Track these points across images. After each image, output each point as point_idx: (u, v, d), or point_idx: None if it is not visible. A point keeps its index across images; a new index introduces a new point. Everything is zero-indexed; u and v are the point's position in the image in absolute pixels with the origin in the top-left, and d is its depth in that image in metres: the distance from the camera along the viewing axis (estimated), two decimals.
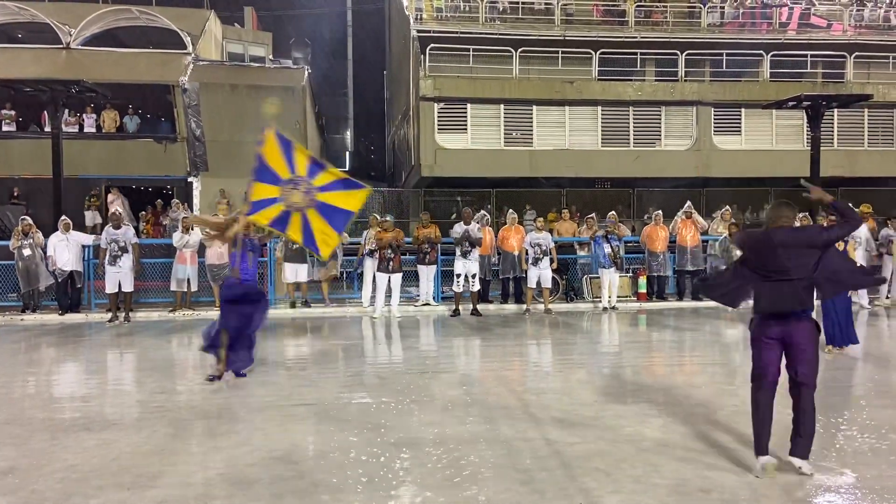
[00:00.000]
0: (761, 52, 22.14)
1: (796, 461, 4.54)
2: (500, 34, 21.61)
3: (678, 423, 5.67)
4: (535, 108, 21.79)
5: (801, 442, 4.58)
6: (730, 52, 22.16)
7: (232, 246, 7.38)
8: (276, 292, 13.88)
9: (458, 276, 12.71)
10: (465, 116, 21.60)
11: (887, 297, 13.62)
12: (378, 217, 13.32)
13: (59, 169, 14.55)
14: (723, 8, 23.42)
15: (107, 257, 12.04)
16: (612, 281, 13.36)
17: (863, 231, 13.18)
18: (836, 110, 20.83)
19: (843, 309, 8.56)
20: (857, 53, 22.33)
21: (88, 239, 12.88)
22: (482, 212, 14.42)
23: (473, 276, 12.77)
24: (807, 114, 16.60)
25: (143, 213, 19.54)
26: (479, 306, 12.91)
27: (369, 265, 12.95)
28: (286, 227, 7.14)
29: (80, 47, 20.30)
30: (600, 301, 13.56)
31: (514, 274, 13.46)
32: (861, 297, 13.16)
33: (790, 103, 16.61)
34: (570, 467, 4.64)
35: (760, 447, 4.59)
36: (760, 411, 4.69)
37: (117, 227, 12.19)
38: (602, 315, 12.88)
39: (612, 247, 13.18)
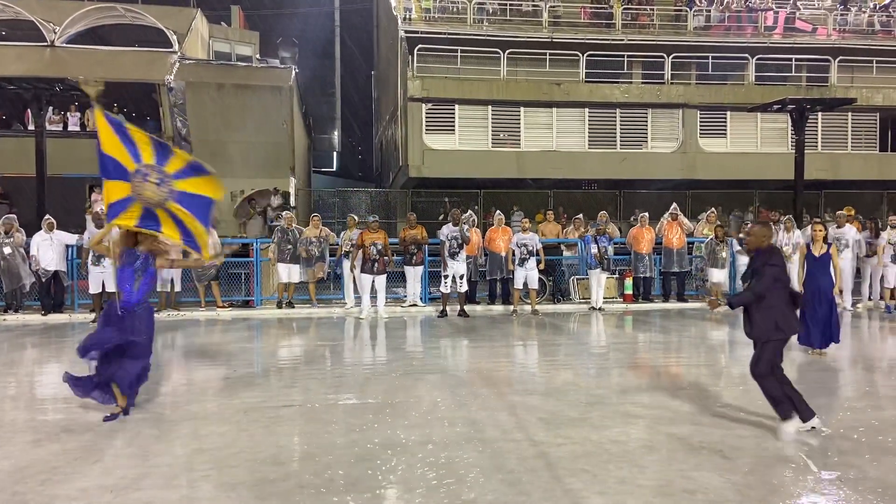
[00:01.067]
0: (746, 55, 22.33)
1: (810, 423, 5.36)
2: (488, 35, 21.66)
3: (664, 424, 5.69)
4: (522, 109, 21.87)
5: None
6: (715, 55, 22.34)
7: (115, 261, 6.04)
8: (263, 293, 13.83)
9: (446, 276, 12.71)
10: (453, 117, 21.63)
11: (870, 300, 13.75)
12: (356, 218, 13.35)
13: (42, 168, 14.42)
14: (709, 11, 23.59)
15: (90, 257, 11.92)
16: (600, 281, 13.42)
17: (852, 234, 13.32)
18: (819, 114, 21.08)
19: (833, 313, 8.63)
20: (841, 57, 22.57)
21: (72, 238, 12.76)
22: (469, 212, 14.43)
23: (461, 277, 12.77)
24: (791, 117, 16.76)
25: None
26: (466, 307, 12.91)
27: (347, 266, 12.91)
28: (159, 225, 5.96)
29: (64, 45, 20.14)
30: (589, 301, 13.61)
31: (502, 275, 13.48)
32: (844, 299, 13.28)
33: (775, 107, 16.77)
34: (555, 468, 4.65)
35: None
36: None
37: (100, 226, 12.07)
38: (588, 316, 12.92)
39: (598, 247, 13.22)
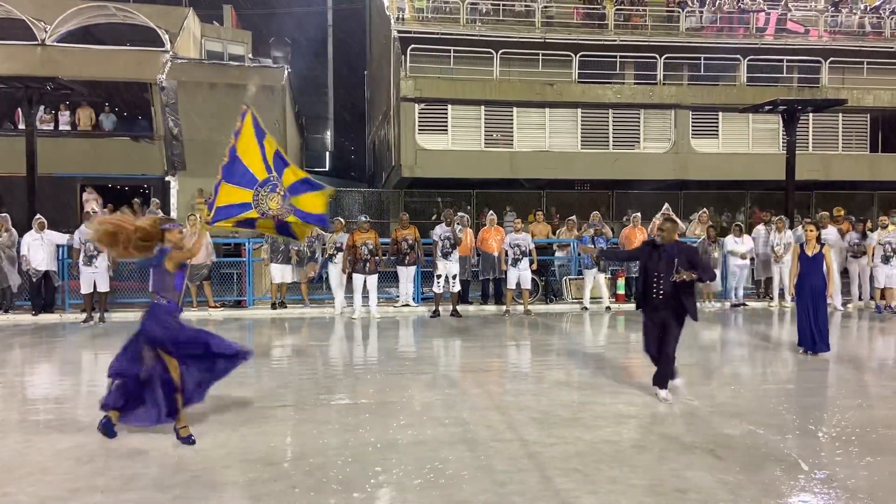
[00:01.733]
0: (738, 56, 22.40)
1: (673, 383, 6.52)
2: (481, 36, 21.65)
3: (655, 423, 5.71)
4: (515, 109, 21.87)
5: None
6: (707, 56, 22.40)
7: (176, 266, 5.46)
8: (255, 293, 13.79)
9: (439, 276, 12.71)
10: (446, 117, 21.62)
11: (860, 300, 13.83)
12: (342, 221, 13.28)
13: (33, 167, 14.33)
14: (701, 12, 23.66)
15: (81, 257, 11.86)
16: (598, 282, 13.44)
17: (833, 235, 13.43)
18: (811, 115, 21.15)
19: (822, 316, 8.69)
20: (832, 59, 22.67)
21: (63, 238, 12.68)
22: (461, 213, 14.43)
23: (454, 277, 12.77)
24: (782, 118, 16.82)
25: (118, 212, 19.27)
26: (458, 307, 12.91)
27: (333, 269, 12.83)
28: (254, 226, 6.24)
29: (55, 44, 20.02)
30: (581, 302, 13.64)
31: (494, 275, 13.48)
32: (835, 299, 13.35)
33: (766, 107, 16.83)
34: (547, 468, 4.66)
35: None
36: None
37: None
38: (581, 316, 12.94)
39: (596, 248, 13.24)
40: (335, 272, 12.86)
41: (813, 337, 8.69)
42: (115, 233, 5.24)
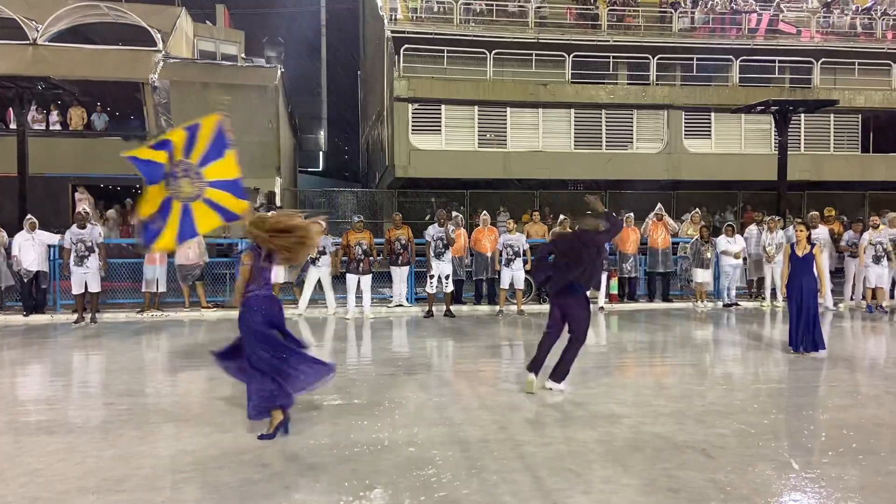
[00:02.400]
0: (731, 57, 22.49)
1: (550, 383, 6.77)
2: (475, 36, 21.67)
3: (648, 423, 5.72)
4: (508, 109, 21.90)
5: (558, 370, 6.81)
6: (700, 56, 22.47)
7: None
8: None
9: (432, 276, 12.70)
10: (440, 117, 21.63)
11: (851, 299, 13.89)
12: (323, 224, 13.14)
13: (24, 167, 14.26)
14: (693, 13, 23.74)
15: (72, 257, 11.80)
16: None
17: (823, 234, 13.50)
18: (802, 115, 21.24)
19: (814, 316, 8.74)
20: (823, 59, 22.78)
21: (54, 238, 12.62)
22: (455, 213, 14.43)
23: (447, 278, 12.77)
24: (774, 118, 16.88)
25: (110, 211, 19.21)
26: (452, 307, 12.91)
27: (313, 272, 12.71)
28: (195, 229, 5.79)
29: (47, 43, 19.94)
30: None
31: (488, 275, 13.49)
32: (826, 299, 13.41)
33: (758, 108, 16.89)
34: (540, 468, 4.66)
35: (535, 366, 6.79)
36: (545, 345, 6.87)
37: (82, 226, 11.97)
38: None
39: None
40: (315, 275, 12.59)
41: (804, 337, 8.75)
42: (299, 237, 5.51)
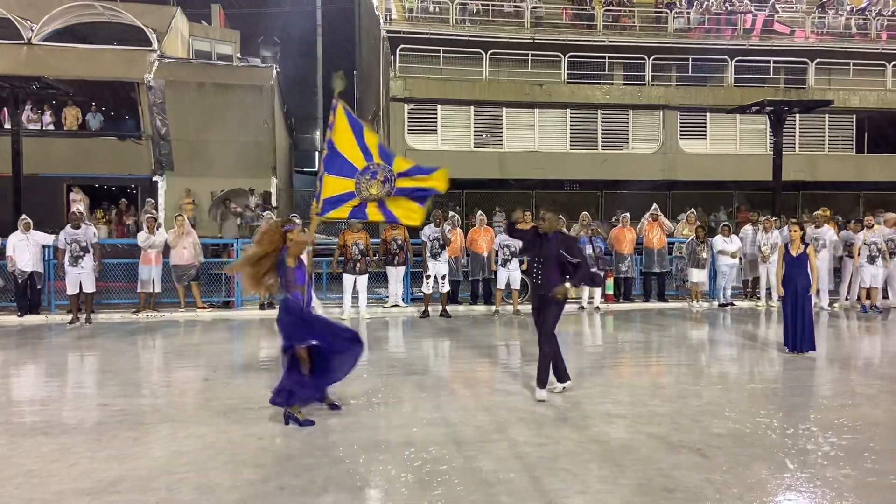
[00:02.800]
0: (726, 57, 22.53)
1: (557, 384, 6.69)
2: (471, 36, 21.67)
3: (643, 423, 5.73)
4: (504, 110, 21.91)
5: (537, 377, 6.54)
6: (695, 57, 22.51)
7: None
8: (243, 294, 13.72)
9: (428, 277, 12.70)
10: (436, 117, 21.64)
11: (846, 299, 13.93)
12: (297, 222, 13.08)
13: (18, 167, 14.21)
14: (689, 13, 23.78)
15: (67, 257, 11.77)
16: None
17: (829, 234, 13.52)
18: (797, 115, 21.31)
19: (808, 315, 8.77)
20: (818, 60, 22.85)
21: (49, 239, 12.57)
22: (452, 213, 14.42)
23: (443, 278, 12.77)
24: (769, 119, 16.93)
25: (98, 210, 19.18)
26: (448, 307, 12.90)
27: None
28: (365, 215, 6.52)
29: (41, 43, 19.86)
30: (579, 301, 13.67)
31: (484, 275, 13.49)
32: (821, 298, 13.45)
33: (753, 108, 16.93)
34: (536, 468, 4.66)
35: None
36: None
37: (77, 226, 11.93)
38: (571, 316, 12.97)
39: (594, 248, 13.27)
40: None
41: (797, 337, 8.80)
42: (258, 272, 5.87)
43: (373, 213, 6.48)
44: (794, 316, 8.80)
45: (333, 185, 6.32)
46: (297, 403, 5.79)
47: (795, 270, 8.85)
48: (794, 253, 8.86)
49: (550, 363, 6.61)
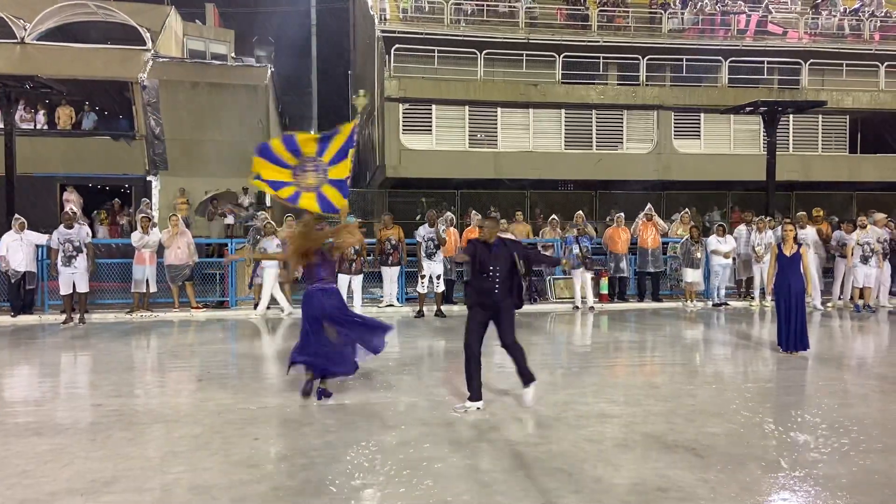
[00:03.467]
0: (720, 58, 22.59)
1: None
2: (465, 36, 21.66)
3: (638, 422, 5.74)
4: (499, 110, 21.90)
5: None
6: (689, 57, 22.56)
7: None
8: (237, 293, 13.70)
9: (423, 277, 12.69)
10: (430, 117, 21.62)
11: (839, 299, 13.99)
12: (272, 223, 12.96)
13: (12, 167, 14.15)
14: (683, 14, 23.82)
15: (60, 257, 11.72)
16: (584, 281, 13.50)
17: (811, 235, 13.60)
18: (791, 116, 21.36)
19: (801, 315, 8.80)
20: (811, 61, 22.92)
21: (42, 239, 12.53)
22: (447, 213, 14.43)
23: (438, 278, 12.77)
24: (763, 119, 16.98)
25: (96, 212, 19.12)
26: (443, 307, 12.90)
27: (266, 274, 12.58)
28: (298, 201, 7.19)
29: (35, 42, 19.80)
30: (573, 301, 13.69)
31: None
32: (814, 298, 13.51)
33: (747, 109, 16.98)
34: (531, 468, 4.67)
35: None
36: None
37: (70, 226, 11.89)
38: (564, 316, 12.99)
39: (580, 247, 13.31)
40: (273, 275, 12.52)
41: (790, 336, 8.82)
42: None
43: (306, 201, 7.12)
44: (788, 316, 8.81)
45: (269, 171, 7.14)
46: (299, 363, 6.53)
47: (789, 270, 8.86)
48: (787, 253, 8.87)
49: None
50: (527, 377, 6.41)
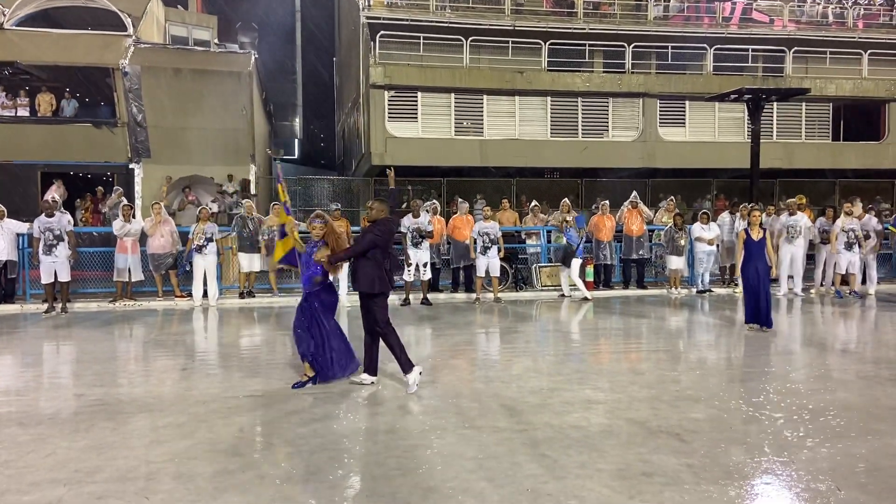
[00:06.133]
0: (705, 45, 22.64)
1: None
2: (451, 23, 21.56)
3: (622, 408, 5.78)
4: (485, 97, 21.87)
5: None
6: (675, 45, 22.60)
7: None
8: (223, 282, 13.61)
9: (409, 265, 12.67)
10: (416, 105, 21.55)
11: (822, 285, 14.12)
12: (207, 209, 13.16)
13: None
14: (668, 2, 23.83)
15: (41, 246, 11.59)
16: (578, 270, 13.51)
17: (804, 221, 13.70)
18: (775, 104, 21.49)
19: (767, 294, 9.37)
20: (795, 48, 23.04)
21: (23, 227, 12.39)
22: (432, 200, 14.39)
23: (424, 265, 12.75)
24: (747, 107, 17.06)
25: (79, 200, 18.91)
26: (429, 295, 12.90)
27: (199, 259, 12.54)
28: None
29: (14, 28, 19.46)
30: (560, 289, 13.72)
31: (466, 263, 13.50)
32: (795, 285, 13.64)
33: (732, 96, 17.06)
34: (516, 454, 4.68)
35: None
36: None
37: (51, 214, 11.75)
38: (549, 304, 13.03)
39: (578, 231, 13.35)
40: (202, 263, 12.53)
41: (759, 313, 9.40)
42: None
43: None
44: (756, 295, 9.35)
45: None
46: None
47: (756, 254, 9.41)
48: (755, 237, 9.47)
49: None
50: (404, 362, 6.45)
